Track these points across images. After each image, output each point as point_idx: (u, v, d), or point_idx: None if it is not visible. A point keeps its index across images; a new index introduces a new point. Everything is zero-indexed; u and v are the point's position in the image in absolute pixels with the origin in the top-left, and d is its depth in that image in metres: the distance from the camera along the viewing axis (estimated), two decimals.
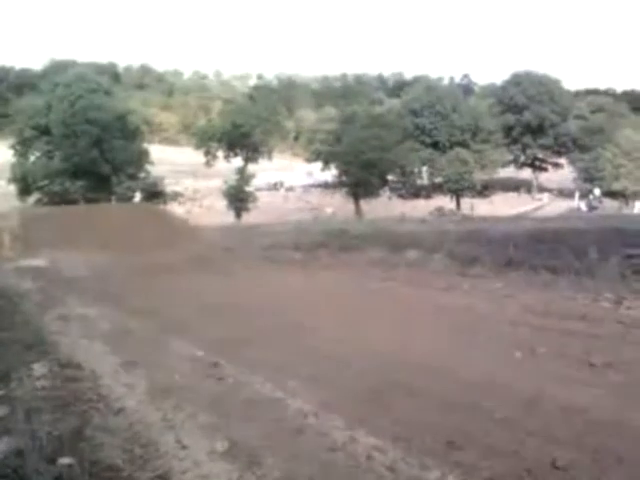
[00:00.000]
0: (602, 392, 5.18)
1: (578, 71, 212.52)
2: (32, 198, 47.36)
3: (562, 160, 72.31)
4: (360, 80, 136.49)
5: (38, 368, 5.84)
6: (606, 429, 4.32)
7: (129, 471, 3.75)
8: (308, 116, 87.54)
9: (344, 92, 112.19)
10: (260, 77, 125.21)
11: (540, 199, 65.37)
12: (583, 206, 47.02)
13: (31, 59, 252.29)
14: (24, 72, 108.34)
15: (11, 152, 49.19)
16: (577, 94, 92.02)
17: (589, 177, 62.74)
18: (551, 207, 55.04)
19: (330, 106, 79.40)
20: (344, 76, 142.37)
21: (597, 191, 52.06)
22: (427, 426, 4.46)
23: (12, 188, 47.81)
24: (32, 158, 48.31)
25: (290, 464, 3.86)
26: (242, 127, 55.97)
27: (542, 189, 70.86)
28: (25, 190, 47.71)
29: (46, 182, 45.91)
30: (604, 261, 11.02)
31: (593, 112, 78.42)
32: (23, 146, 48.93)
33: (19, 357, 6.31)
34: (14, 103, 57.72)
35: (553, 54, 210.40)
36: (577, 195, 55.82)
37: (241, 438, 4.27)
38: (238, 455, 4.01)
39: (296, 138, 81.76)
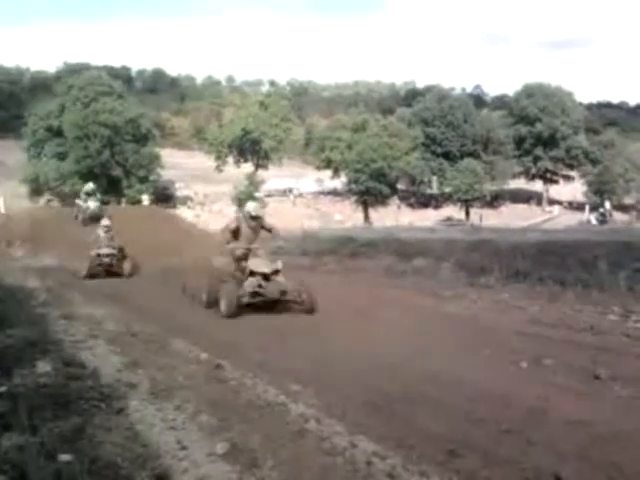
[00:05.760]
0: (606, 405, 5.13)
1: (591, 84, 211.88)
2: (43, 199, 47.67)
3: (573, 173, 71.97)
4: (372, 88, 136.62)
5: (41, 365, 5.85)
6: (609, 443, 4.27)
7: (128, 470, 3.75)
8: (319, 123, 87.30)
9: (356, 100, 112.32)
10: (272, 84, 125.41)
11: (550, 211, 65.05)
12: (593, 219, 46.67)
13: (46, 61, 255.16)
14: (39, 74, 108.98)
15: (24, 153, 49.55)
16: (589, 107, 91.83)
17: (600, 190, 62.56)
18: (561, 219, 54.74)
19: (342, 114, 79.24)
20: (356, 84, 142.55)
21: (608, 204, 51.78)
22: (429, 434, 4.43)
23: (24, 189, 48.13)
24: (44, 159, 48.64)
25: (289, 467, 3.84)
26: (253, 133, 56.25)
27: (552, 201, 70.56)
28: (36, 191, 48.06)
29: (57, 183, 46.19)
30: (613, 274, 10.93)
31: (605, 125, 78.22)
32: (36, 147, 49.30)
33: (23, 354, 6.34)
34: (28, 105, 58.11)
35: (566, 66, 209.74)
36: (587, 208, 55.58)
37: (241, 440, 4.26)
38: (238, 457, 4.00)
39: (307, 145, 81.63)
